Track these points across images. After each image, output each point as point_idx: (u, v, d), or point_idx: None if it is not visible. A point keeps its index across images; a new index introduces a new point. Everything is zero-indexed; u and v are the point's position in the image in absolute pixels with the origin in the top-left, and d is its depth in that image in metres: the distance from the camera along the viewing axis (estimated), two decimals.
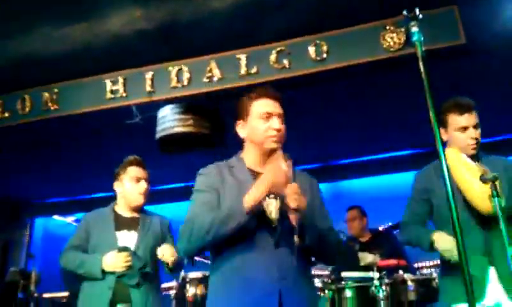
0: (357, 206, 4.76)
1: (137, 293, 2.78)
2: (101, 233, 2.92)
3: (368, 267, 3.86)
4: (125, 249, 2.84)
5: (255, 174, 1.88)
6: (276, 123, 1.90)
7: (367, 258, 4.06)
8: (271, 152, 1.90)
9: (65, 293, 5.38)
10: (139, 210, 3.03)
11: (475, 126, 2.52)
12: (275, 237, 1.76)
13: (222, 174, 1.91)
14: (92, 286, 2.80)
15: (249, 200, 1.71)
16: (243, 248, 1.76)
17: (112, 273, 2.79)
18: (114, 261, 2.78)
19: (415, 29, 1.61)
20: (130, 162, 3.00)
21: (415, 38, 1.61)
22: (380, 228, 5.20)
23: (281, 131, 1.91)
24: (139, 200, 2.97)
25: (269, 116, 1.92)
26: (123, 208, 3.02)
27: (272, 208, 1.81)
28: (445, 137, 2.64)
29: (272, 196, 1.80)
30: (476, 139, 2.51)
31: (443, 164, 1.52)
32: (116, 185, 3.06)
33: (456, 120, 2.53)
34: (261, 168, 1.91)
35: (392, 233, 5.22)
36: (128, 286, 2.81)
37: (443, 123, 2.61)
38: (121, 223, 2.97)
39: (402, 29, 3.64)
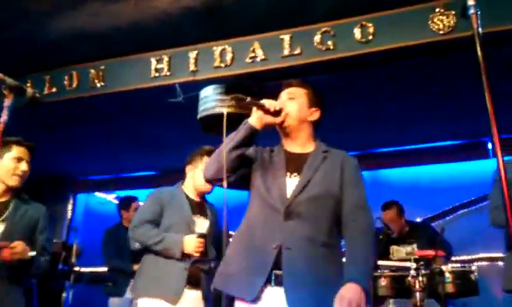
0: (393, 203, 4.67)
1: (207, 280, 2.91)
2: (177, 214, 3.06)
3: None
4: (203, 235, 2.99)
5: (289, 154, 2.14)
6: None
7: (401, 252, 4.01)
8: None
9: (104, 268, 5.51)
10: (203, 196, 3.22)
11: None
12: (285, 210, 1.94)
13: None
14: (167, 265, 2.93)
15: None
16: (258, 218, 2.02)
17: (188, 256, 2.92)
18: (193, 245, 2.92)
19: (471, 3, 1.55)
20: (206, 152, 3.13)
21: (471, 12, 1.55)
22: (418, 220, 5.11)
23: None
24: (207, 189, 3.14)
25: None
26: (190, 191, 3.19)
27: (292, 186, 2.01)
28: None
29: (295, 174, 2.04)
30: None
31: (497, 150, 1.42)
32: (188, 168, 3.24)
33: None
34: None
35: (430, 225, 5.11)
36: (200, 271, 2.96)
37: None
38: (193, 207, 3.13)
39: (453, 12, 3.53)
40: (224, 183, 2.02)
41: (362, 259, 1.89)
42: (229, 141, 2.04)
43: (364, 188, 2.08)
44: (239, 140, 2.01)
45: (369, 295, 1.82)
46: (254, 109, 2.04)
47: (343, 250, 2.07)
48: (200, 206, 3.18)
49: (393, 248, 4.18)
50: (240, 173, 2.07)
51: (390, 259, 4.12)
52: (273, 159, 2.12)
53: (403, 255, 3.93)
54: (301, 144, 2.14)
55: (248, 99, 1.99)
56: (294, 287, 1.83)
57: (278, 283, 1.86)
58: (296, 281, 1.83)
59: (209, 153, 3.03)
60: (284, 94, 2.18)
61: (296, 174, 2.04)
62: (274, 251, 1.88)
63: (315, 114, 2.17)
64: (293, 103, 2.12)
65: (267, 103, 2.02)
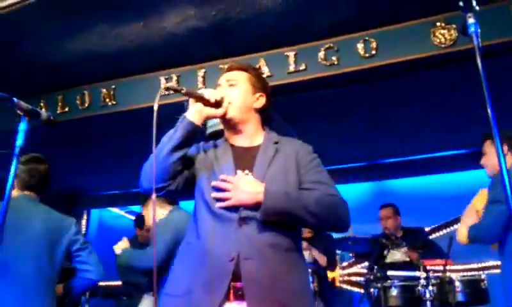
0: (391, 204, 4.73)
1: None
2: None
3: (413, 266, 3.84)
4: None
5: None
6: None
7: (394, 255, 4.03)
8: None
9: (118, 282, 5.58)
10: None
11: None
12: (239, 214, 1.68)
13: None
14: None
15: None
16: (206, 226, 1.72)
17: None
18: None
19: (471, 21, 1.56)
20: None
21: (471, 30, 1.58)
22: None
23: None
24: None
25: None
26: None
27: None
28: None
29: (246, 171, 1.78)
30: None
31: (501, 161, 1.40)
32: None
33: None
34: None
35: (423, 229, 5.12)
36: None
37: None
38: None
39: (454, 26, 3.60)
40: (153, 195, 1.66)
41: (298, 193, 1.72)
42: (167, 141, 1.76)
43: (325, 171, 1.85)
44: (178, 139, 1.73)
45: (273, 213, 1.65)
46: (191, 101, 1.79)
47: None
48: None
49: (390, 251, 4.22)
50: (183, 178, 1.80)
51: (385, 264, 4.14)
52: (218, 156, 1.84)
53: (398, 257, 3.96)
54: (248, 136, 1.89)
55: (184, 90, 1.76)
56: (258, 300, 1.57)
57: (238, 297, 1.59)
58: (260, 294, 1.58)
59: None
60: (223, 80, 1.92)
61: (247, 171, 1.77)
62: (231, 263, 1.60)
63: (261, 100, 1.91)
64: (235, 90, 1.87)
65: (207, 93, 1.78)
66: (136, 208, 7.51)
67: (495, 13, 3.48)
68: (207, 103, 1.76)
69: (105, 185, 7.60)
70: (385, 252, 4.13)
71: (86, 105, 4.82)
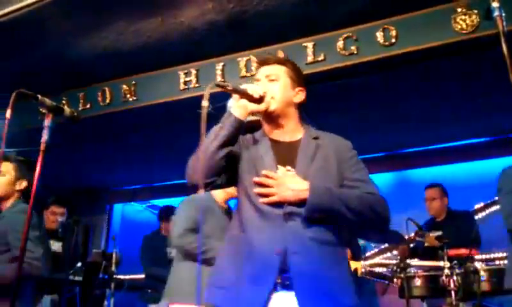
0: (438, 184, 4.62)
1: None
2: (215, 222, 3.03)
3: (438, 256, 3.80)
4: None
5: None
6: None
7: (431, 238, 3.99)
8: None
9: (142, 275, 5.66)
10: (227, 202, 3.22)
11: None
12: (283, 210, 1.72)
13: None
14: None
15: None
16: (253, 222, 1.76)
17: None
18: None
19: (495, 4, 1.56)
20: None
21: (496, 14, 1.56)
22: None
23: None
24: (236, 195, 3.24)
25: None
26: (219, 197, 3.18)
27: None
28: None
29: (288, 167, 1.81)
30: None
31: None
32: None
33: None
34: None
35: (470, 215, 5.00)
36: None
37: None
38: (226, 214, 3.15)
39: (475, 11, 3.52)
40: (201, 190, 1.76)
41: (339, 190, 1.77)
42: (213, 138, 1.76)
43: (365, 168, 1.88)
44: (225, 136, 1.74)
45: (317, 209, 1.70)
46: (236, 97, 1.81)
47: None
48: (228, 213, 3.15)
49: (428, 234, 4.17)
50: (227, 174, 1.83)
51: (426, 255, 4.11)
52: (259, 151, 1.86)
53: (432, 241, 3.91)
54: (289, 131, 1.90)
55: (230, 86, 1.77)
56: (305, 290, 1.64)
57: (286, 287, 1.66)
58: (307, 284, 1.64)
59: None
60: (261, 75, 1.93)
61: (288, 167, 1.81)
62: (277, 257, 1.66)
63: (301, 95, 1.93)
64: (275, 85, 1.87)
65: (250, 89, 1.78)
66: (158, 202, 7.59)
67: None
68: (251, 98, 1.78)
69: (127, 180, 7.68)
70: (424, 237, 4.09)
71: (107, 101, 4.88)
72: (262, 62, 1.97)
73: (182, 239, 3.01)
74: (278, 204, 1.73)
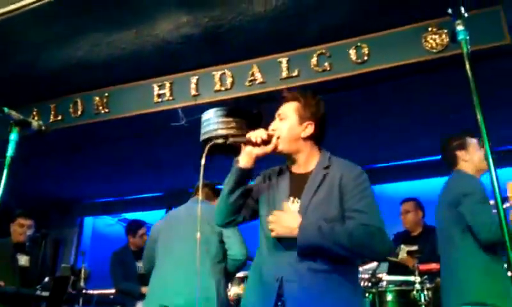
0: (413, 198, 4.66)
1: None
2: None
3: (409, 271, 3.84)
4: None
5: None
6: None
7: (404, 250, 4.02)
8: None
9: (112, 290, 5.55)
10: None
11: None
12: (286, 242, 1.86)
13: None
14: None
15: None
16: (263, 250, 1.98)
17: None
18: None
19: (460, 28, 1.59)
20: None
21: (460, 37, 1.59)
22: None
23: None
24: None
25: None
26: None
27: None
28: (467, 158, 2.94)
29: (295, 199, 1.95)
30: None
31: (490, 165, 1.46)
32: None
33: (474, 140, 2.92)
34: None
35: None
36: None
37: (463, 146, 2.96)
38: None
39: (445, 30, 3.61)
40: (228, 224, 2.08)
41: (332, 226, 1.82)
42: (225, 184, 1.98)
43: (370, 196, 1.92)
44: (232, 184, 1.95)
45: (307, 247, 1.80)
46: (242, 145, 1.95)
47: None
48: None
49: (401, 247, 4.21)
50: (250, 207, 2.04)
51: (396, 259, 4.14)
52: (278, 183, 2.02)
53: (404, 254, 3.95)
54: (302, 163, 2.01)
55: (230, 139, 1.95)
56: None
57: None
58: None
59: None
60: (277, 113, 2.06)
61: (297, 199, 1.93)
62: (276, 283, 1.82)
63: (309, 129, 2.00)
64: (284, 124, 1.99)
65: (253, 135, 1.92)
66: (129, 215, 7.48)
67: (486, 17, 3.50)
68: (254, 144, 1.92)
69: (99, 193, 7.58)
70: (397, 249, 4.13)
71: (79, 113, 4.80)
72: (281, 101, 2.09)
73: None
74: (283, 238, 1.87)
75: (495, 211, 2.66)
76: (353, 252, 1.83)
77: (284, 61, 4.08)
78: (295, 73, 4.04)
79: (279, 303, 1.82)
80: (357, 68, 3.85)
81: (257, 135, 1.92)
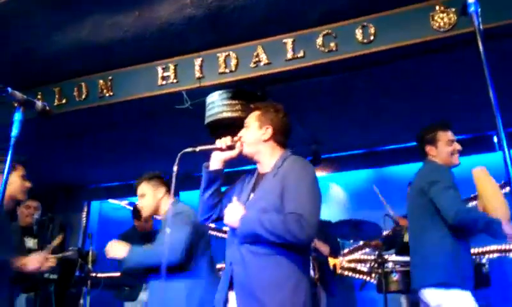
0: None
1: None
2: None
3: None
4: None
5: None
6: None
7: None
8: None
9: (118, 273, 5.60)
10: None
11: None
12: (237, 235, 2.20)
13: None
14: None
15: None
16: (227, 240, 2.34)
17: None
18: None
19: (471, 0, 1.55)
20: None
21: (471, 9, 1.55)
22: None
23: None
24: None
25: None
26: None
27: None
28: (434, 153, 3.07)
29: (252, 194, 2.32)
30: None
31: (504, 148, 1.40)
32: None
33: (445, 135, 3.05)
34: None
35: None
36: None
37: (432, 141, 3.07)
38: None
39: (453, 9, 3.55)
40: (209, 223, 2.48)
41: (262, 217, 2.11)
42: (201, 185, 2.37)
43: (304, 187, 2.16)
44: (204, 185, 2.36)
45: (245, 235, 2.15)
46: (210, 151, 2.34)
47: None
48: None
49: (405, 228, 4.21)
50: (224, 206, 2.31)
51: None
52: (249, 182, 2.40)
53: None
54: (264, 164, 2.34)
55: (198, 148, 2.27)
56: (240, 294, 2.15)
57: (232, 289, 2.20)
58: (240, 289, 2.15)
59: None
60: (244, 124, 2.41)
61: (252, 194, 2.31)
62: (230, 267, 2.21)
63: (268, 132, 2.32)
64: (246, 131, 2.35)
65: (219, 143, 2.30)
66: (136, 199, 7.50)
67: None
68: (221, 150, 2.31)
69: (105, 177, 7.59)
70: (403, 231, 4.16)
71: (84, 96, 4.78)
72: (249, 113, 2.43)
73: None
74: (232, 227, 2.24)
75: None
76: (279, 237, 2.06)
77: (289, 41, 4.03)
78: (300, 54, 3.99)
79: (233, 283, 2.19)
80: (363, 48, 3.79)
81: (223, 142, 2.30)
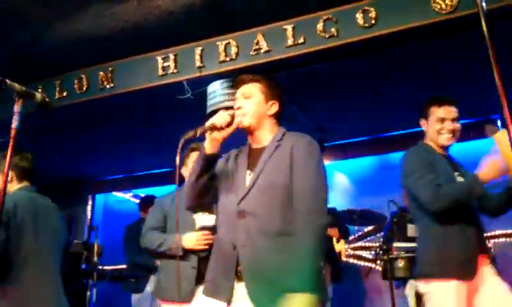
0: None
1: None
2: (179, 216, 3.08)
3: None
4: (206, 228, 2.97)
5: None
6: None
7: (414, 229, 4.02)
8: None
9: (124, 266, 5.62)
10: None
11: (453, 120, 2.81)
12: (237, 208, 2.01)
13: None
14: (180, 266, 2.91)
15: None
16: (220, 216, 2.14)
17: (193, 252, 2.94)
18: (194, 240, 2.92)
19: None
20: (192, 149, 3.20)
21: None
22: None
23: None
24: None
25: None
26: None
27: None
28: (425, 127, 2.88)
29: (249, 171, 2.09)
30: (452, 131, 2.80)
31: (509, 131, 1.36)
32: (184, 170, 3.21)
33: (437, 111, 2.81)
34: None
35: None
36: None
37: (425, 115, 2.87)
38: None
39: None
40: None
41: (301, 260, 1.88)
42: (192, 171, 2.11)
43: (314, 170, 2.02)
44: (199, 170, 2.07)
45: (319, 290, 1.87)
46: (208, 133, 2.05)
47: None
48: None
49: (410, 226, 4.20)
50: (216, 190, 2.16)
51: (408, 239, 4.14)
52: (239, 160, 2.17)
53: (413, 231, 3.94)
54: (262, 139, 2.16)
55: (198, 132, 2.02)
56: (251, 281, 1.91)
57: (240, 279, 1.94)
58: (252, 275, 1.91)
59: (194, 150, 3.11)
60: (239, 94, 2.18)
61: (249, 172, 2.09)
62: (234, 252, 1.96)
63: (274, 107, 2.17)
64: (249, 102, 2.13)
65: (217, 121, 2.03)
66: (141, 191, 7.52)
67: None
68: (219, 129, 2.02)
69: (109, 170, 7.59)
70: (408, 228, 4.13)
71: (84, 89, 4.77)
72: (240, 83, 2.20)
73: (142, 240, 3.18)
74: (233, 205, 2.03)
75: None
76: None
77: (289, 28, 3.99)
78: (301, 40, 3.95)
79: (238, 268, 1.95)
80: (364, 32, 3.75)
81: (221, 120, 2.03)
